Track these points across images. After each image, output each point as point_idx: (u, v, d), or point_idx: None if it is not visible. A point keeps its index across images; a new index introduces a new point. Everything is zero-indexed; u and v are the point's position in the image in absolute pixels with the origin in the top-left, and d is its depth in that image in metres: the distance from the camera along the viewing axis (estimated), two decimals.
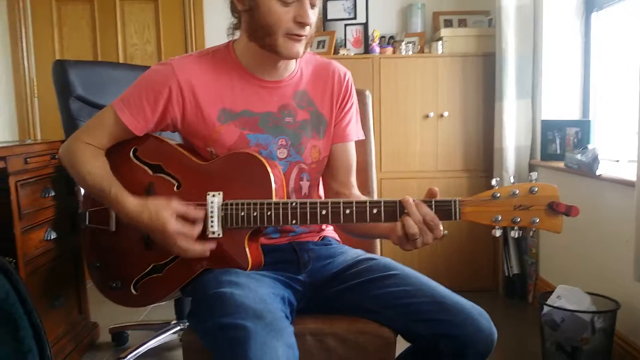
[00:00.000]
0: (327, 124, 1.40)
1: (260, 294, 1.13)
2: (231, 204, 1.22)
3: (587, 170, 2.25)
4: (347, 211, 1.17)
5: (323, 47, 3.27)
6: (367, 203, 1.17)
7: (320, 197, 1.47)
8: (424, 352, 1.27)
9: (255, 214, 1.20)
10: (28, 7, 3.47)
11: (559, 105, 2.84)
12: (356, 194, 1.43)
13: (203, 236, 1.24)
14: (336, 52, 3.25)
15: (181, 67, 1.31)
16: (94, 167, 1.31)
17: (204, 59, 1.34)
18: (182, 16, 3.51)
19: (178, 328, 2.30)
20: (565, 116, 2.80)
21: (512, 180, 1.14)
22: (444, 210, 1.14)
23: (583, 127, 2.64)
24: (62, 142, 1.49)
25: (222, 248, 1.24)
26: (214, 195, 1.23)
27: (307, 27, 1.24)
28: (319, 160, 1.40)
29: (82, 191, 1.48)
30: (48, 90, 2.21)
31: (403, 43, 3.13)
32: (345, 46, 3.33)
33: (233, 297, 1.09)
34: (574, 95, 2.82)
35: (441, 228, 1.15)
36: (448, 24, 3.32)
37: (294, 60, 1.36)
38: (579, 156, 2.32)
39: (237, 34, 1.36)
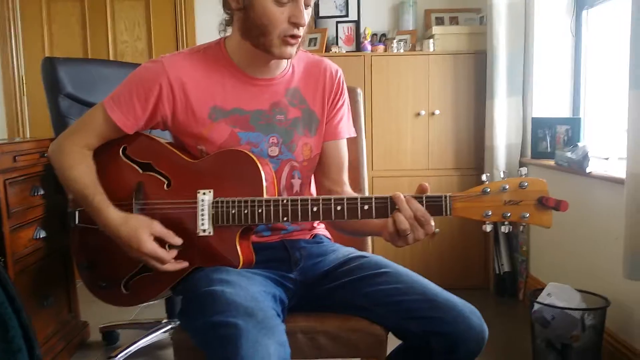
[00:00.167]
0: (318, 122, 1.40)
1: (252, 292, 1.13)
2: (222, 202, 1.22)
3: (577, 167, 2.26)
4: (339, 208, 1.17)
5: (315, 44, 3.27)
6: (359, 199, 1.17)
7: (312, 195, 1.47)
8: (415, 350, 1.27)
9: (246, 211, 1.20)
10: (17, 5, 3.45)
11: (549, 102, 2.85)
12: (348, 192, 1.43)
13: (190, 236, 1.24)
14: (328, 49, 3.25)
15: (172, 65, 1.30)
16: (80, 173, 1.30)
17: (195, 56, 1.34)
18: (173, 13, 3.50)
19: (169, 327, 2.29)
20: (555, 114, 2.81)
21: (502, 175, 1.14)
22: (434, 205, 1.14)
23: (573, 124, 2.65)
24: (52, 140, 1.49)
25: (213, 246, 1.23)
26: (204, 193, 1.23)
27: (302, 28, 1.24)
28: (310, 158, 1.40)
29: None
30: (37, 88, 2.19)
31: (395, 41, 3.14)
32: (336, 44, 3.33)
33: (224, 295, 1.09)
34: (565, 93, 2.83)
35: (432, 224, 1.15)
36: (440, 21, 3.33)
37: None
38: (569, 154, 2.33)
39: (229, 30, 1.35)
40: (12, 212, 1.81)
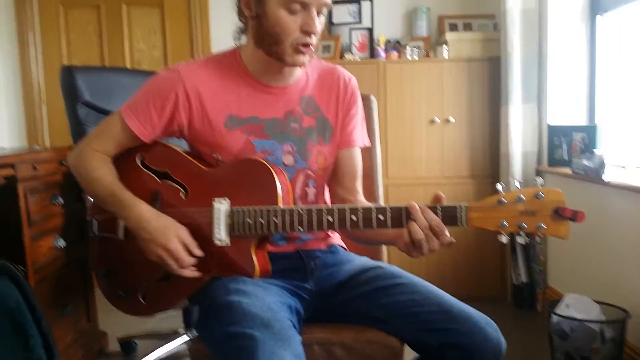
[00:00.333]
0: (332, 130, 1.41)
1: (268, 302, 1.14)
2: (238, 211, 1.22)
3: (594, 176, 2.24)
4: (354, 217, 1.17)
5: (328, 51, 3.27)
6: (373, 209, 1.17)
7: (326, 204, 1.47)
8: None
9: (262, 221, 1.20)
10: (36, 14, 3.49)
11: (565, 109, 2.83)
12: (361, 200, 1.43)
13: (207, 245, 1.24)
14: (341, 56, 3.25)
15: (188, 73, 1.31)
16: (103, 174, 1.31)
17: (210, 64, 1.35)
18: (188, 21, 3.52)
19: (186, 337, 2.29)
20: (571, 121, 2.79)
21: (517, 185, 1.13)
22: (449, 216, 1.13)
23: (590, 132, 2.62)
24: (70, 148, 1.50)
25: (229, 256, 1.24)
26: (220, 203, 1.24)
27: (314, 36, 1.24)
28: (325, 166, 1.41)
29: (91, 198, 1.48)
30: (56, 96, 2.23)
31: (408, 47, 3.14)
32: (350, 51, 3.33)
33: (241, 305, 1.10)
34: (580, 100, 2.81)
35: (447, 234, 1.14)
36: (453, 28, 3.32)
37: None
38: (585, 162, 2.31)
39: (244, 38, 1.36)
40: (32, 221, 1.82)
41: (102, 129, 1.38)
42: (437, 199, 1.16)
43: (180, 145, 1.40)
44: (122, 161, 1.36)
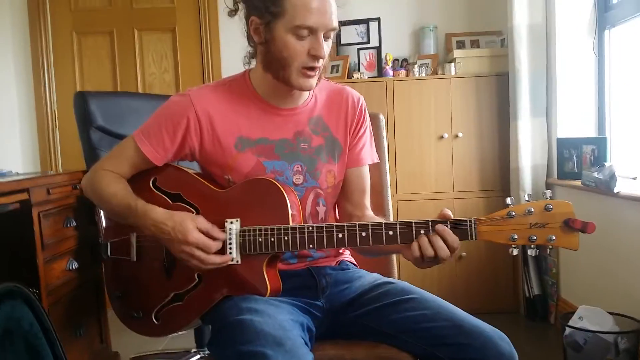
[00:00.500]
0: (341, 149, 1.42)
1: (280, 320, 1.14)
2: (249, 230, 1.23)
3: (605, 188, 2.23)
4: (363, 234, 1.18)
5: (337, 71, 3.31)
6: (383, 225, 1.18)
7: (336, 221, 1.48)
8: None
9: (272, 239, 1.21)
10: (50, 40, 3.56)
11: (574, 123, 2.83)
12: (369, 215, 1.44)
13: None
14: (350, 76, 3.28)
15: (199, 98, 1.34)
16: (118, 189, 1.34)
17: (220, 88, 1.38)
18: (199, 45, 3.58)
19: (198, 356, 2.30)
20: (580, 134, 2.79)
21: (526, 198, 1.14)
22: (459, 230, 1.14)
23: (599, 144, 2.62)
24: (84, 172, 1.53)
25: (241, 274, 1.25)
26: (232, 222, 1.25)
27: (321, 60, 1.27)
28: (334, 184, 1.42)
29: (104, 221, 1.50)
30: (69, 121, 2.27)
31: (416, 65, 3.16)
32: (358, 70, 3.36)
33: (253, 324, 1.10)
34: (589, 113, 2.81)
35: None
36: (460, 45, 3.34)
37: None
38: (596, 174, 2.30)
39: (253, 62, 1.39)
40: (46, 244, 1.85)
41: (115, 153, 1.40)
42: (443, 217, 1.16)
43: (191, 168, 1.42)
44: (135, 184, 1.38)
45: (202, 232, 1.23)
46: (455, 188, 3.07)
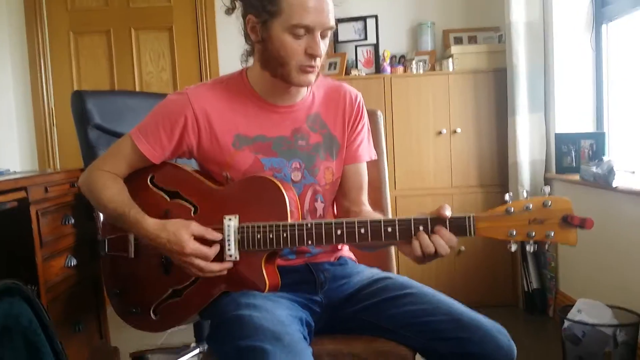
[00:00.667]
0: (339, 146, 1.42)
1: (278, 315, 1.14)
2: (247, 227, 1.24)
3: (603, 182, 2.23)
4: (362, 230, 1.18)
5: (334, 68, 3.30)
6: (382, 222, 1.18)
7: (334, 217, 1.49)
8: None
9: (271, 236, 1.22)
10: (47, 40, 3.56)
11: (572, 118, 2.83)
12: (367, 211, 1.44)
13: (220, 259, 1.25)
14: (347, 73, 3.28)
15: (196, 96, 1.34)
16: (114, 194, 1.33)
17: (218, 87, 1.38)
18: (196, 44, 3.57)
19: (197, 351, 2.30)
20: (579, 129, 2.79)
21: (525, 194, 1.14)
22: (458, 226, 1.14)
23: (597, 139, 2.63)
24: (81, 170, 1.53)
25: (239, 271, 1.25)
26: (230, 219, 1.25)
27: (318, 59, 1.27)
28: (332, 181, 1.42)
29: (102, 218, 1.50)
30: (66, 120, 2.27)
31: (414, 62, 3.16)
32: (356, 67, 3.36)
33: (251, 319, 1.11)
34: (587, 108, 2.82)
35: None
36: (458, 41, 3.34)
37: None
38: (594, 168, 2.31)
39: (251, 60, 1.39)
40: (45, 242, 1.85)
41: (113, 151, 1.40)
42: (441, 213, 1.15)
43: (190, 165, 1.42)
44: (133, 181, 1.39)
45: (198, 238, 1.24)
46: (454, 183, 3.08)
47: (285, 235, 1.21)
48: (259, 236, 1.22)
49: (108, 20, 3.59)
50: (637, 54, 2.46)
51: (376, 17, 3.40)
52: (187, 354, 2.28)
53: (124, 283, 1.42)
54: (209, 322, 1.28)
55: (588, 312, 2.09)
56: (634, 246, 2.15)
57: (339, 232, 1.19)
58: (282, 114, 1.37)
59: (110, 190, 1.34)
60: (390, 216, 1.48)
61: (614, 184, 2.18)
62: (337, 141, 1.42)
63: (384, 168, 1.74)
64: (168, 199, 1.35)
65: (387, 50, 3.29)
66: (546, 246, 1.12)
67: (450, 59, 3.10)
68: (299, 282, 1.34)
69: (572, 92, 2.82)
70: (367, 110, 1.50)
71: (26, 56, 3.53)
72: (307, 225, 1.20)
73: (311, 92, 1.42)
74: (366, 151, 1.47)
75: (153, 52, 3.61)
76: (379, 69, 3.34)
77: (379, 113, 1.75)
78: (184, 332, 2.32)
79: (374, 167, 1.62)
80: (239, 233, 1.24)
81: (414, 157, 3.08)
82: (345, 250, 1.50)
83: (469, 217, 1.14)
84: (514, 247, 1.14)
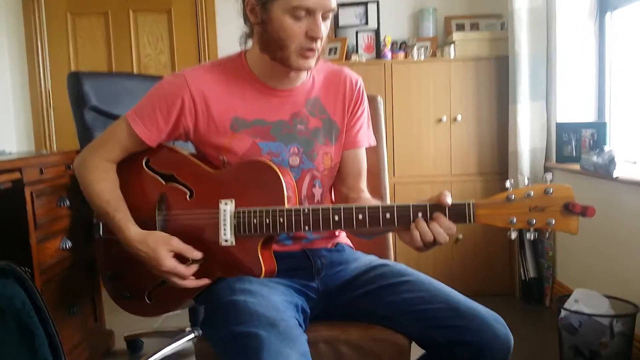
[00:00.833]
0: (339, 131, 1.40)
1: (274, 301, 1.13)
2: (243, 212, 1.22)
3: (604, 172, 2.22)
4: (360, 217, 1.17)
5: (335, 53, 3.27)
6: (380, 208, 1.16)
7: (332, 203, 1.47)
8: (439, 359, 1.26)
9: (267, 221, 1.20)
10: (44, 21, 3.52)
11: (573, 107, 2.81)
12: (365, 197, 1.42)
13: (213, 248, 1.24)
14: (348, 58, 3.25)
15: (193, 78, 1.32)
16: (103, 188, 1.32)
17: (216, 69, 1.35)
18: (195, 26, 3.53)
19: (193, 335, 2.31)
20: (580, 118, 2.77)
21: (526, 182, 1.12)
22: (458, 213, 1.12)
23: (599, 128, 2.61)
24: (77, 152, 1.51)
25: (235, 256, 1.24)
26: (226, 204, 1.23)
27: (319, 41, 1.24)
28: (331, 166, 1.40)
29: None
30: (63, 102, 2.25)
31: (415, 48, 3.13)
32: (357, 52, 3.32)
33: (246, 305, 1.09)
34: (589, 97, 2.79)
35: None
36: (460, 27, 3.31)
37: None
38: (595, 158, 2.29)
39: (250, 42, 1.37)
40: (39, 224, 1.83)
41: (108, 134, 1.38)
42: (440, 200, 1.14)
43: (186, 149, 1.40)
44: (128, 164, 1.37)
45: (177, 254, 1.23)
46: (453, 171, 3.06)
47: (281, 220, 1.19)
48: (255, 221, 1.21)
49: (106, 1, 3.54)
50: None
51: (377, 2, 3.36)
52: (182, 338, 2.29)
53: (118, 267, 1.41)
54: (204, 307, 1.27)
55: (585, 302, 2.08)
56: (633, 237, 2.14)
57: (336, 218, 1.17)
58: (282, 98, 1.35)
59: (100, 184, 1.33)
60: (388, 203, 1.46)
61: (615, 174, 2.16)
62: (337, 126, 1.40)
63: (384, 154, 1.72)
64: (163, 183, 1.34)
65: (388, 36, 3.26)
66: (547, 234, 1.11)
67: (451, 46, 3.07)
68: (295, 268, 1.33)
69: (574, 80, 2.79)
70: (367, 96, 1.48)
71: (23, 38, 3.49)
72: (304, 210, 1.19)
73: (311, 76, 1.39)
74: (365, 137, 1.45)
75: (151, 34, 3.58)
76: (379, 54, 3.30)
77: (379, 99, 1.73)
78: (179, 317, 2.32)
79: (373, 153, 1.60)
80: (234, 218, 1.23)
81: (413, 144, 3.06)
82: (343, 237, 1.49)
83: (469, 204, 1.12)
84: (514, 235, 1.13)
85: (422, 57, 3.10)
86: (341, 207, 1.18)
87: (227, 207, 1.23)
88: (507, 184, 1.13)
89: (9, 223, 1.78)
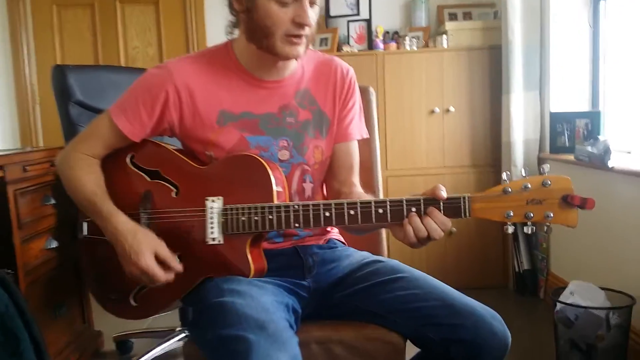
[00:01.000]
0: (329, 123, 1.36)
1: (263, 302, 1.09)
2: (231, 209, 1.18)
3: (599, 162, 2.19)
4: (352, 212, 1.13)
5: (326, 44, 3.23)
6: (372, 203, 1.13)
7: (324, 198, 1.43)
8: (434, 358, 1.23)
9: (256, 218, 1.17)
10: (29, 13, 3.46)
11: (567, 96, 2.78)
12: (358, 192, 1.38)
13: (199, 246, 1.21)
14: (339, 49, 3.21)
15: (178, 69, 1.27)
16: (87, 181, 1.28)
17: (201, 60, 1.31)
18: (183, 18, 3.49)
19: (183, 335, 2.27)
20: (574, 108, 2.74)
21: (523, 173, 1.09)
22: (452, 207, 1.09)
23: (593, 118, 2.59)
24: (62, 148, 1.46)
25: (223, 255, 1.20)
26: (213, 201, 1.20)
27: (307, 28, 1.20)
28: (322, 160, 1.36)
29: None
30: (49, 97, 2.20)
31: (407, 38, 3.09)
32: (348, 43, 3.29)
33: (234, 306, 1.06)
34: (583, 86, 2.77)
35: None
36: (453, 17, 3.27)
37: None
38: (589, 148, 2.26)
39: (237, 32, 1.32)
40: (23, 223, 1.79)
41: (90, 130, 1.34)
42: (435, 194, 1.10)
43: (172, 144, 1.36)
44: (112, 161, 1.33)
45: (159, 260, 1.19)
46: (446, 163, 3.03)
47: (271, 217, 1.16)
48: (243, 219, 1.17)
49: None
50: (635, 31, 2.40)
51: None
52: (172, 338, 2.25)
53: (102, 268, 1.36)
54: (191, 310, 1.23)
55: (581, 294, 2.06)
56: (629, 228, 2.12)
57: (327, 214, 1.14)
58: (270, 90, 1.31)
59: (84, 178, 1.28)
60: (382, 197, 1.42)
61: (610, 165, 2.14)
62: (327, 117, 1.36)
63: (376, 147, 1.69)
64: (148, 179, 1.29)
65: (380, 26, 3.23)
66: (545, 228, 1.08)
67: (444, 36, 3.04)
68: (285, 267, 1.29)
69: (568, 69, 2.77)
70: (360, 87, 1.44)
71: (7, 31, 3.41)
72: (294, 207, 1.15)
73: (300, 66, 1.35)
74: (357, 129, 1.41)
75: (139, 26, 3.52)
76: (371, 45, 3.27)
77: (372, 90, 1.69)
78: (169, 316, 2.27)
79: (366, 146, 1.57)
80: (222, 215, 1.19)
81: (406, 136, 3.02)
82: (335, 233, 1.45)
83: (464, 198, 1.09)
84: (510, 229, 1.10)
85: (415, 48, 3.06)
86: (332, 203, 1.15)
87: (214, 205, 1.20)
88: (504, 175, 1.10)
89: None
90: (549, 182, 1.05)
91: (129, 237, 1.20)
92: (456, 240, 3.02)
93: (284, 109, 1.31)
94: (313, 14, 1.20)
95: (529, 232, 1.09)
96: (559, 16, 2.74)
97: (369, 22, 3.32)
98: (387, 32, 3.29)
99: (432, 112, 3.00)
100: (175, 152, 1.31)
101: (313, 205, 1.15)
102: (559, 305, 2.08)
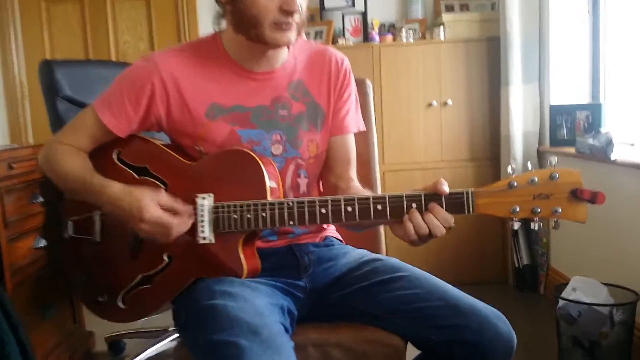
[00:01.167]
0: (324, 115, 1.31)
1: (257, 305, 1.04)
2: (222, 207, 1.13)
3: (601, 155, 2.15)
4: (349, 209, 1.08)
5: (321, 37, 3.18)
6: (371, 199, 1.08)
7: (320, 194, 1.38)
8: None
9: (249, 216, 1.11)
10: (17, 8, 3.41)
11: (567, 88, 2.75)
12: (355, 187, 1.33)
13: (192, 243, 1.15)
14: (334, 42, 3.17)
15: (164, 62, 1.22)
16: (74, 164, 1.22)
17: (188, 51, 1.26)
18: (175, 12, 3.44)
19: (176, 335, 2.22)
20: (574, 100, 2.70)
21: (530, 167, 1.04)
22: (455, 203, 1.04)
23: (594, 110, 2.55)
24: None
25: (214, 255, 1.15)
26: (203, 198, 1.14)
27: (296, 14, 1.14)
28: (317, 154, 1.31)
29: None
30: (39, 92, 2.15)
31: (403, 30, 3.05)
32: (343, 36, 3.24)
33: (226, 309, 1.00)
34: (583, 78, 2.73)
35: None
36: (449, 8, 3.22)
37: (286, 48, 1.27)
38: (591, 140, 2.22)
39: (224, 23, 1.27)
40: (10, 222, 1.73)
41: (74, 124, 1.29)
42: (436, 189, 1.05)
43: (161, 139, 1.31)
44: (97, 157, 1.27)
45: (164, 209, 1.12)
46: (444, 157, 2.99)
47: (264, 215, 1.11)
48: (235, 216, 1.12)
49: None
50: (636, 22, 2.35)
51: None
52: (165, 338, 2.21)
53: (89, 269, 1.31)
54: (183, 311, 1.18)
55: (583, 290, 2.02)
56: (632, 221, 2.08)
57: (323, 211, 1.09)
58: (261, 81, 1.26)
59: (71, 161, 1.23)
60: (379, 193, 1.37)
61: (613, 157, 2.09)
62: (322, 110, 1.30)
63: (373, 141, 1.64)
64: (136, 176, 1.24)
65: (376, 18, 3.18)
66: (552, 224, 1.02)
67: (441, 28, 2.99)
68: (280, 266, 1.24)
69: (567, 61, 2.72)
70: (356, 79, 1.39)
71: None
72: (288, 203, 1.10)
73: (293, 56, 1.30)
74: (353, 122, 1.36)
75: (130, 20, 3.47)
76: (367, 37, 3.22)
77: (368, 82, 1.64)
78: (162, 316, 2.23)
79: (362, 140, 1.51)
80: (213, 213, 1.13)
81: (403, 130, 2.98)
82: (331, 230, 1.40)
83: (468, 193, 1.04)
84: (516, 225, 1.05)
85: (411, 40, 3.02)
86: (328, 199, 1.10)
87: (205, 202, 1.14)
88: (509, 169, 1.05)
89: None
90: (557, 176, 1.00)
91: (126, 198, 1.13)
92: (454, 234, 2.97)
93: (276, 101, 1.26)
94: (301, 0, 1.15)
95: (536, 228, 1.04)
96: (558, 6, 2.71)
97: (364, 14, 3.27)
98: (383, 25, 3.25)
99: (430, 105, 2.95)
100: (163, 147, 1.26)
101: (308, 201, 1.10)
102: (561, 302, 2.04)
